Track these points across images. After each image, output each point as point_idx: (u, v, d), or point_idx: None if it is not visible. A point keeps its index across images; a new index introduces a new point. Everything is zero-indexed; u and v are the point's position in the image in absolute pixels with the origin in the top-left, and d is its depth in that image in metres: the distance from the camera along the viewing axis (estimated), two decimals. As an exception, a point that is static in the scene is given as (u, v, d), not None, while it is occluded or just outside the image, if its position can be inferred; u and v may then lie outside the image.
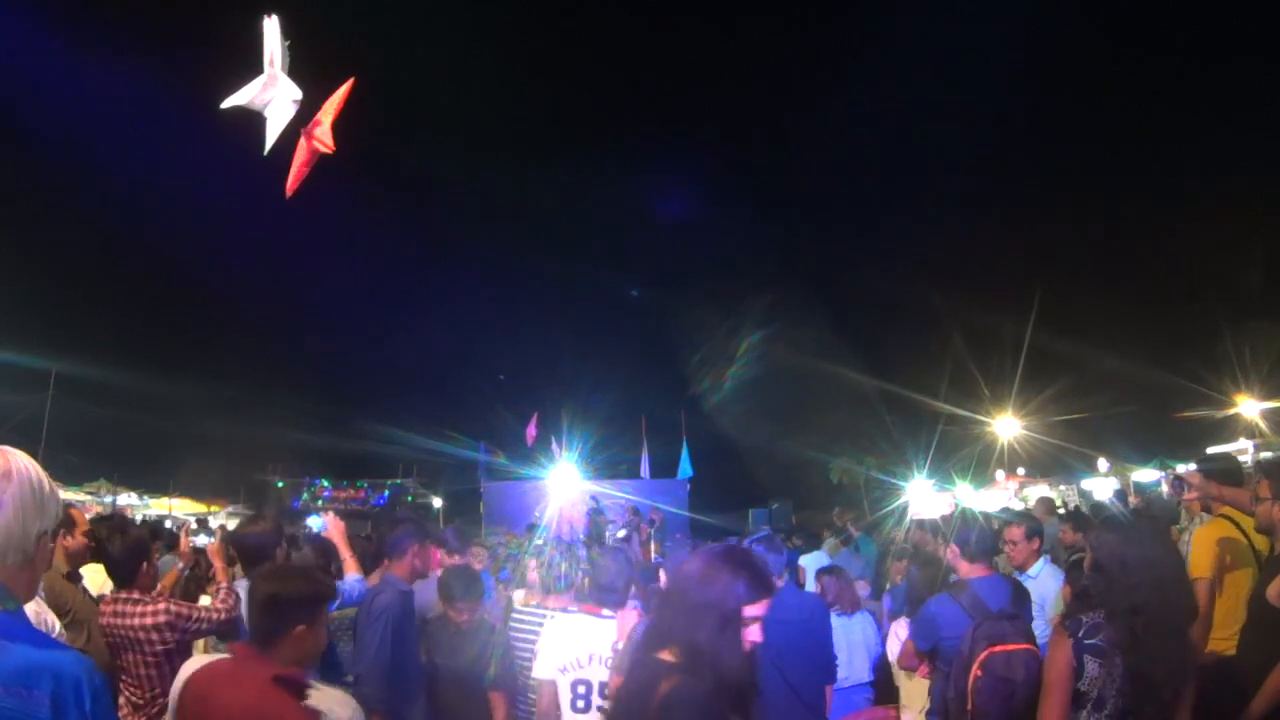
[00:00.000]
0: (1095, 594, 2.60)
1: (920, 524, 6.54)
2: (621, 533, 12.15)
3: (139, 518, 17.90)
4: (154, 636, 3.28)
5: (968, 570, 3.65)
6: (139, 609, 3.33)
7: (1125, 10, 29.74)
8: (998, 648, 2.99)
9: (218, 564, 3.84)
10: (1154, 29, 30.00)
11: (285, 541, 4.11)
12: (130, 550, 3.53)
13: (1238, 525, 3.98)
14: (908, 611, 4.78)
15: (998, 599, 3.40)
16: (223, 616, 3.41)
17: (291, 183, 5.21)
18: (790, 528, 12.37)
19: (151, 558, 3.69)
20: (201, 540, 4.09)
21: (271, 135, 5.01)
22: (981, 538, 3.67)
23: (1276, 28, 27.29)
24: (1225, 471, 4.21)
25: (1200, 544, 4.03)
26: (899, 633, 4.83)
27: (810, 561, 7.03)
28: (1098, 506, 12.03)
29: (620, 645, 3.45)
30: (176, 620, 3.31)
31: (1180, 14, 28.85)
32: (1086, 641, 2.48)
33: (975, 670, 3.01)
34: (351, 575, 4.09)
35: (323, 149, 5.19)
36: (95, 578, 4.15)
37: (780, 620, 3.63)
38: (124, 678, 3.32)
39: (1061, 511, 9.74)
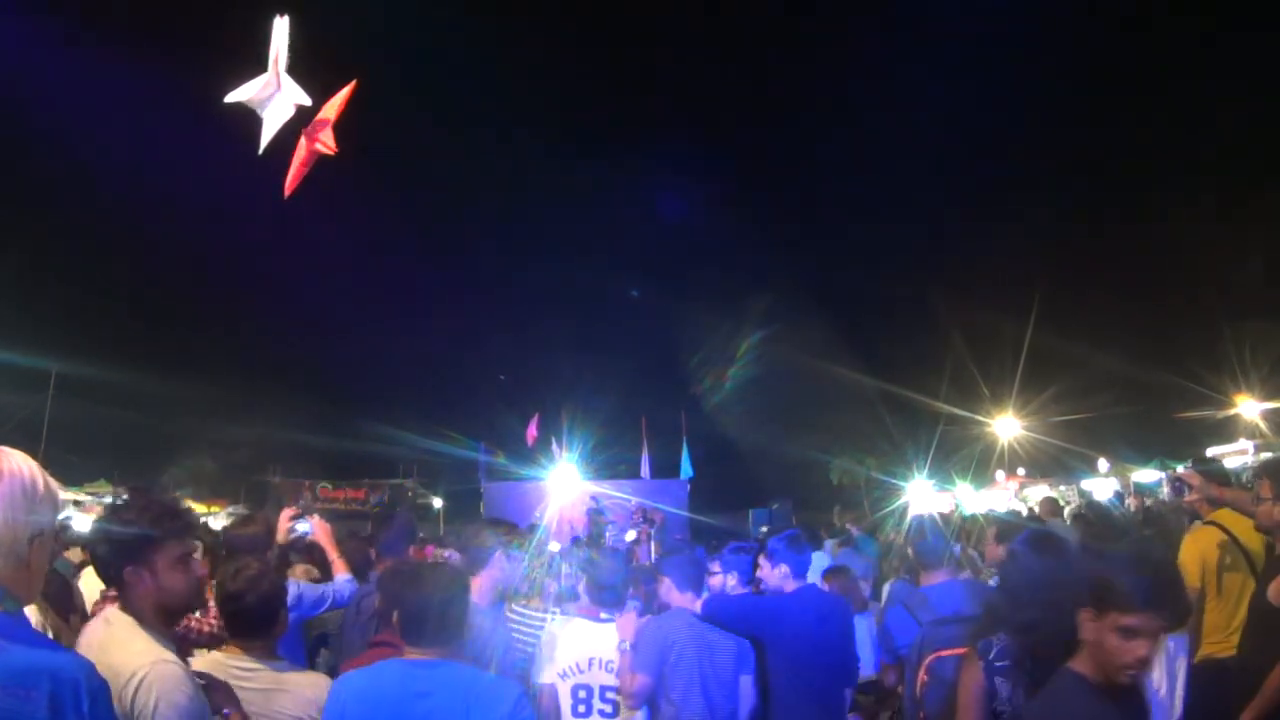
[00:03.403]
0: (999, 612, 2.59)
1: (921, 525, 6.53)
2: (631, 535, 12.09)
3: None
4: None
5: (925, 576, 3.66)
6: None
7: (1123, 9, 29.75)
8: (944, 652, 2.95)
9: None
10: (1153, 28, 30.00)
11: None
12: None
13: (1227, 531, 3.98)
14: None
15: (951, 603, 3.37)
16: (214, 630, 3.25)
17: (290, 183, 5.20)
18: (790, 528, 12.35)
19: None
20: None
21: (268, 135, 5.00)
22: (935, 543, 3.65)
23: (1275, 26, 27.28)
24: (1213, 474, 4.22)
25: (1187, 552, 4.03)
26: None
27: (816, 561, 7.04)
28: (1096, 506, 12.02)
29: (625, 647, 3.44)
30: None
31: (1178, 13, 28.85)
32: (997, 664, 2.46)
33: (922, 675, 3.00)
34: (341, 576, 4.04)
35: (325, 150, 5.18)
36: (93, 581, 4.14)
37: (809, 622, 3.64)
38: None
39: (1067, 513, 9.72)
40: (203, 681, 2.09)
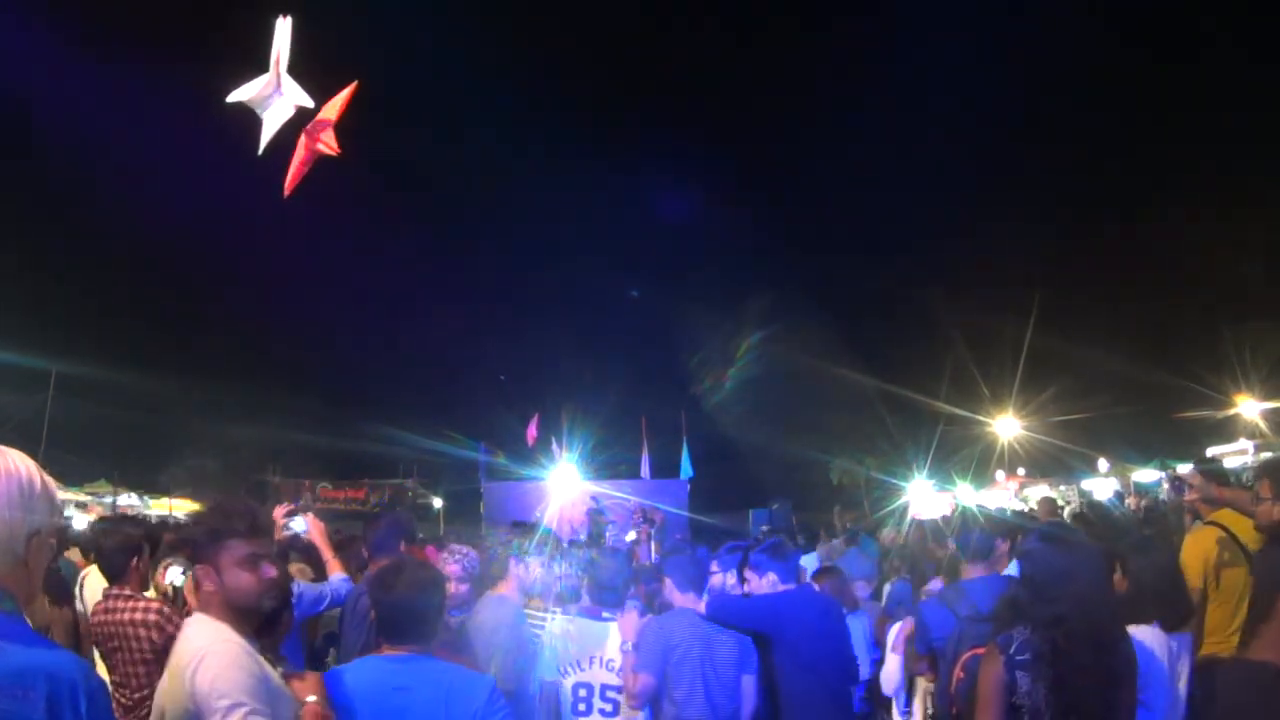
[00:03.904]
0: (1021, 606, 2.61)
1: (920, 524, 6.53)
2: (631, 535, 12.10)
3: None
4: (142, 634, 3.22)
5: (966, 571, 3.64)
6: (129, 604, 3.28)
7: (1122, 11, 29.76)
8: (980, 649, 2.92)
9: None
10: (1152, 29, 30.02)
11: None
12: (120, 546, 3.51)
13: (1228, 530, 3.99)
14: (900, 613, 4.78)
15: (991, 598, 3.37)
16: None
17: (290, 182, 5.21)
18: (790, 528, 12.35)
19: (143, 554, 3.64)
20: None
21: (268, 135, 5.00)
22: (981, 538, 3.67)
23: (1275, 26, 27.29)
24: (1214, 474, 4.22)
25: (1189, 552, 4.05)
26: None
27: (810, 562, 7.03)
28: (1096, 506, 12.01)
29: (627, 647, 3.44)
30: (165, 622, 3.22)
31: (1178, 14, 28.84)
32: (1018, 657, 2.48)
33: (957, 672, 3.00)
34: (336, 575, 4.01)
35: (327, 151, 5.19)
36: (96, 581, 4.13)
37: (813, 623, 3.64)
38: (113, 677, 3.26)
39: (1066, 513, 9.71)
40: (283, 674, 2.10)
